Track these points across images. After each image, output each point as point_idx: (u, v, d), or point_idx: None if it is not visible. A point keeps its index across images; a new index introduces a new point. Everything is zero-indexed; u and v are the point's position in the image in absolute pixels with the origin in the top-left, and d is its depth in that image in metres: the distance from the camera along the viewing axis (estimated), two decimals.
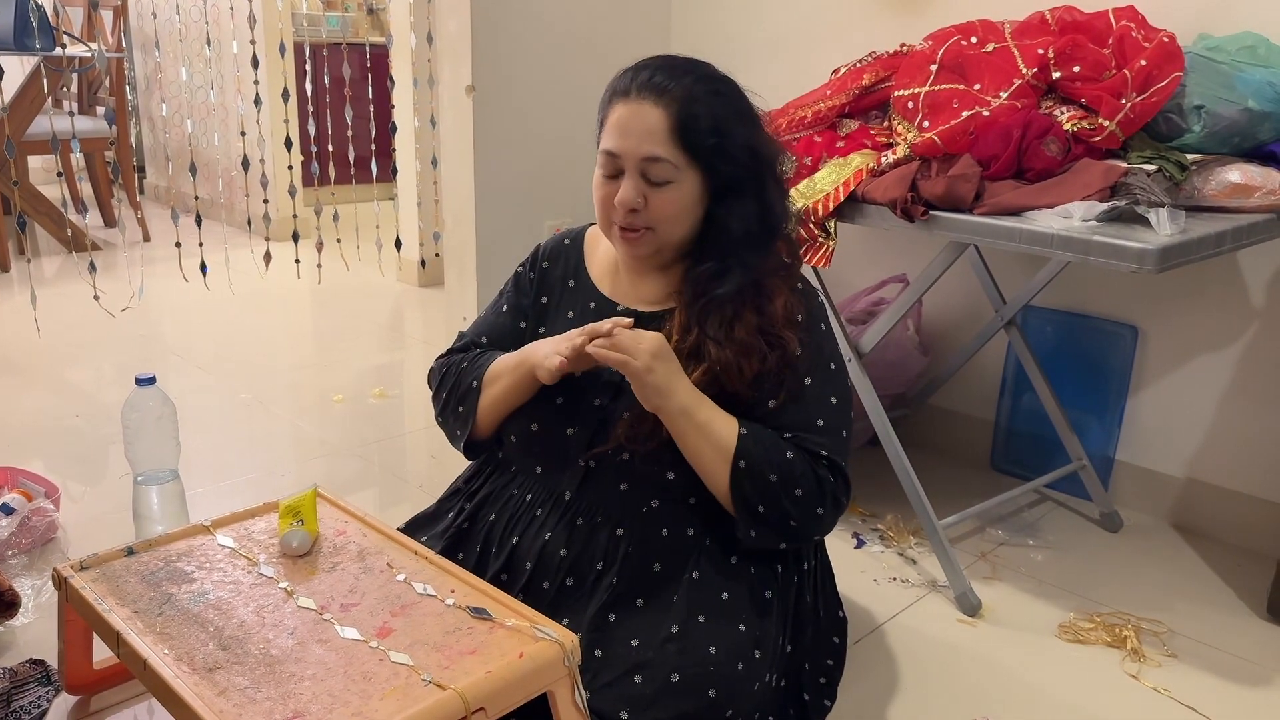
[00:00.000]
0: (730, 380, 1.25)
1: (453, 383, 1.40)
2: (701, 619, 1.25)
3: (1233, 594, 1.83)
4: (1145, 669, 1.59)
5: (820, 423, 1.28)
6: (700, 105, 1.24)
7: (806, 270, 1.68)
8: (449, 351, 1.46)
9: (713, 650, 1.22)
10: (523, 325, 1.42)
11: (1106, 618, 1.71)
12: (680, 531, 1.30)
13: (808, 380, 1.29)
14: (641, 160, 1.23)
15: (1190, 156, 1.61)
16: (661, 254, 1.31)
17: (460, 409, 1.38)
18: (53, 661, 1.43)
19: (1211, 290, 1.97)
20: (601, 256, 1.41)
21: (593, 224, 1.46)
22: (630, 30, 2.67)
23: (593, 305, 1.37)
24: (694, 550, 1.30)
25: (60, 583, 1.29)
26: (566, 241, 1.45)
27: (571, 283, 1.41)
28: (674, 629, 1.23)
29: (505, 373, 1.34)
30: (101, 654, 1.37)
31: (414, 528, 1.48)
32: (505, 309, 1.45)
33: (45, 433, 2.38)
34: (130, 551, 1.33)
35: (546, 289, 1.42)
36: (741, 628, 1.26)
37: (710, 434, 1.23)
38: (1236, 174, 1.57)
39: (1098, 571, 1.89)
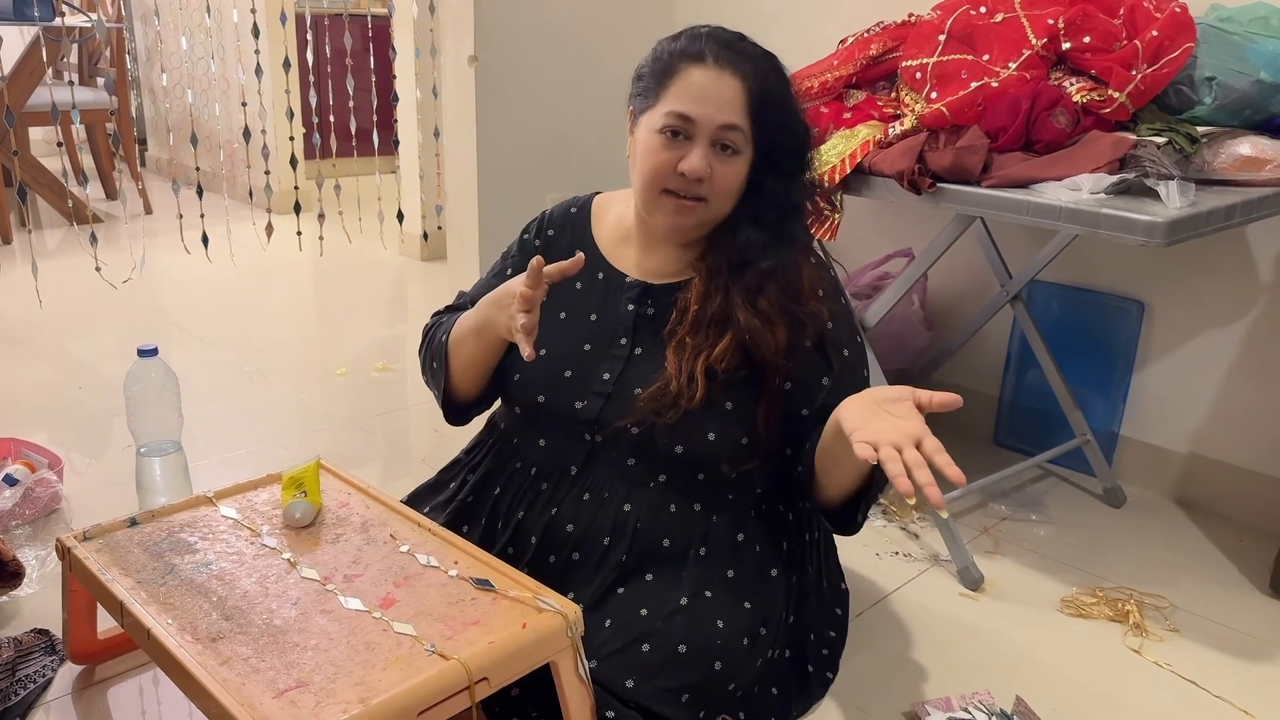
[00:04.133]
0: (760, 348, 1.23)
1: (429, 339, 1.40)
2: (709, 594, 1.25)
3: (1235, 569, 1.83)
4: (1147, 644, 1.59)
5: None
6: (771, 81, 1.24)
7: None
8: (444, 309, 1.45)
9: (720, 624, 1.22)
10: None
11: (1109, 592, 1.71)
12: (688, 507, 1.29)
13: (845, 352, 1.28)
14: (718, 128, 1.21)
15: (1200, 129, 1.59)
16: (701, 228, 1.29)
17: (434, 366, 1.38)
18: (57, 631, 1.44)
19: (1219, 265, 1.96)
20: (609, 227, 1.40)
21: (598, 193, 1.45)
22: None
23: (601, 276, 1.36)
24: (701, 527, 1.29)
25: (64, 553, 1.29)
26: (573, 210, 1.43)
27: (579, 252, 1.39)
28: (683, 601, 1.23)
29: (468, 336, 1.31)
30: (106, 624, 1.37)
31: (416, 499, 1.48)
32: (510, 272, 1.42)
33: (48, 404, 2.38)
34: (133, 522, 1.33)
35: (552, 257, 1.40)
36: (747, 605, 1.26)
37: None
38: (1247, 147, 1.56)
39: (1101, 546, 1.89)
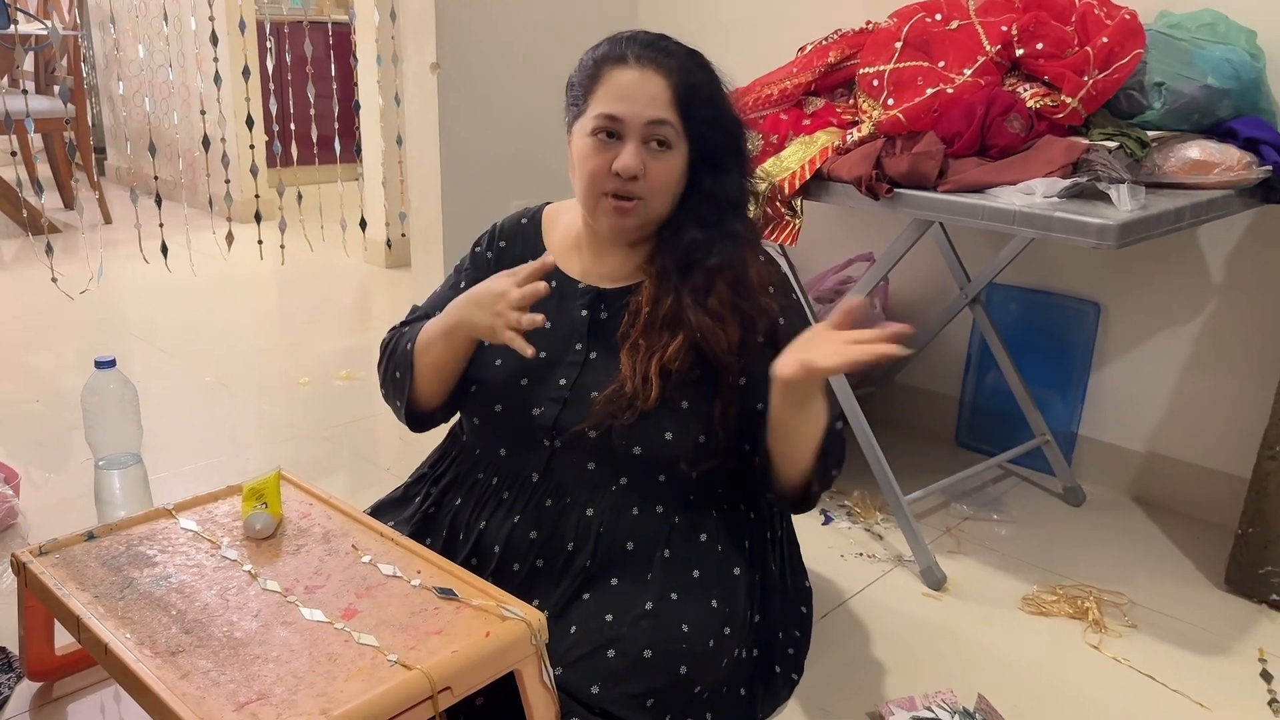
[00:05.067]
0: (712, 347, 1.24)
1: (391, 349, 1.39)
2: (674, 596, 1.26)
3: (1191, 565, 1.86)
4: (1106, 639, 1.61)
5: None
6: (697, 76, 1.25)
7: (773, 248, 1.69)
8: (400, 324, 1.45)
9: (685, 628, 1.23)
10: None
11: (1069, 590, 1.74)
12: (649, 509, 1.30)
13: None
14: (646, 125, 1.23)
15: (1151, 133, 1.62)
16: (644, 228, 1.30)
17: (398, 375, 1.37)
18: (14, 648, 1.42)
19: (1173, 266, 2.00)
20: (560, 235, 1.40)
21: (549, 203, 1.46)
22: (596, 6, 2.65)
23: (554, 283, 1.36)
24: (664, 528, 1.30)
25: (19, 568, 1.27)
26: (524, 220, 1.44)
27: (547, 254, 1.40)
28: (648, 605, 1.23)
29: (436, 339, 1.31)
30: (63, 640, 1.35)
31: (380, 512, 1.47)
32: (464, 285, 1.42)
33: (5, 418, 2.34)
34: (91, 536, 1.31)
35: (505, 267, 1.41)
36: (713, 604, 1.27)
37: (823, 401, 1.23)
38: (1196, 151, 1.59)
39: (1060, 545, 1.91)
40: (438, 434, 1.50)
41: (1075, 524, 2.01)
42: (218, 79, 2.96)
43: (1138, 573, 1.82)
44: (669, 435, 1.26)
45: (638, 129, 1.23)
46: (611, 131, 1.24)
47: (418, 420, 1.41)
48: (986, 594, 1.74)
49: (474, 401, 1.35)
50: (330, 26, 5.16)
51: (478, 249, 1.45)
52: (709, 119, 1.26)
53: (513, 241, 1.42)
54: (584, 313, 1.33)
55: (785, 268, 1.44)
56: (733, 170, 1.30)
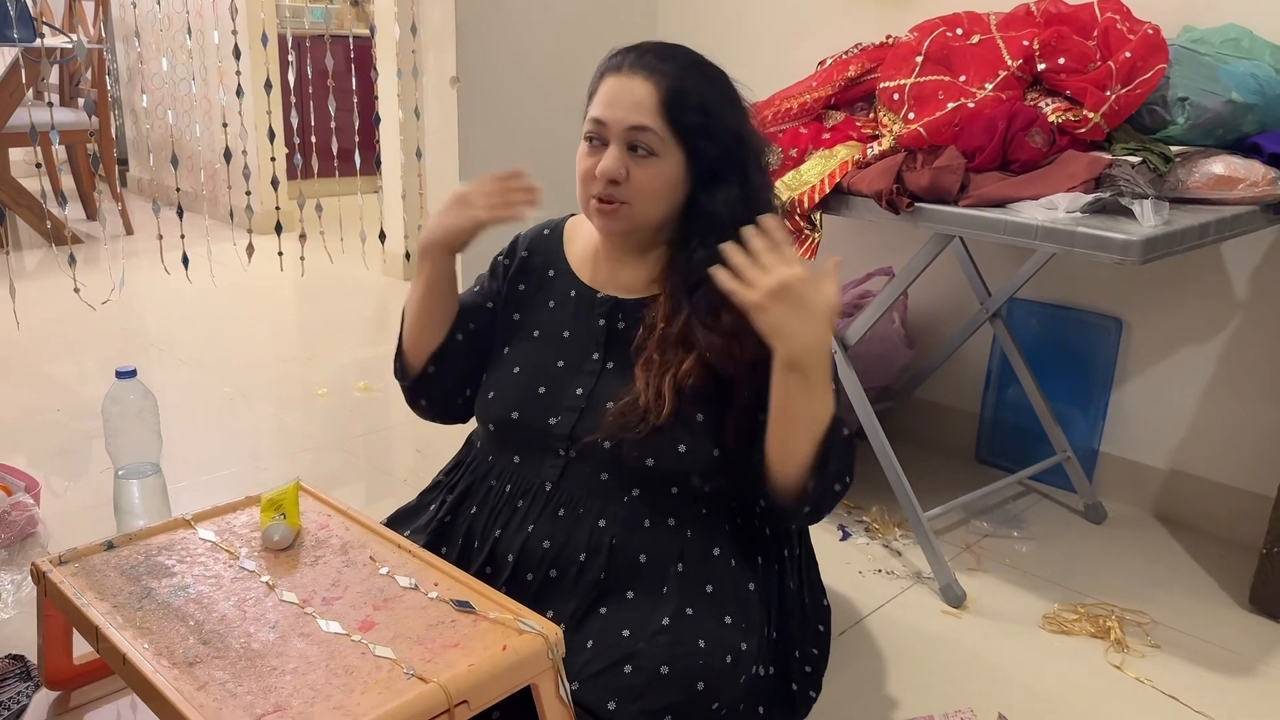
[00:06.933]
0: (724, 364, 1.24)
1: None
2: (689, 611, 1.25)
3: (1215, 584, 1.84)
4: (1129, 659, 1.59)
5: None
6: (690, 84, 1.25)
7: None
8: None
9: (702, 643, 1.22)
10: (490, 305, 1.42)
11: (1090, 609, 1.72)
12: (661, 522, 1.29)
13: None
14: (627, 130, 1.23)
15: (1174, 148, 1.61)
16: (638, 234, 1.30)
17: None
18: (32, 657, 1.42)
19: (1195, 282, 1.98)
20: (581, 245, 1.41)
21: (573, 214, 1.46)
22: (616, 20, 2.66)
23: (573, 293, 1.37)
24: (676, 542, 1.29)
25: (39, 577, 1.27)
26: (546, 231, 1.45)
27: (551, 272, 1.40)
28: (665, 621, 1.23)
29: (415, 278, 1.37)
30: (82, 649, 1.36)
31: (396, 521, 1.47)
32: (477, 289, 1.45)
33: (26, 427, 2.36)
34: (110, 545, 1.32)
35: (524, 277, 1.41)
36: (728, 620, 1.26)
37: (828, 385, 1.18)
38: (1220, 166, 1.58)
39: (1082, 563, 1.89)
40: (455, 444, 1.50)
41: (1097, 542, 1.99)
42: (240, 92, 2.99)
43: (1160, 591, 1.80)
44: (682, 448, 1.26)
45: (619, 134, 1.24)
46: (596, 136, 1.26)
47: (407, 378, 1.43)
48: (1007, 612, 1.72)
49: (491, 408, 1.35)
50: (351, 40, 5.17)
51: (497, 258, 1.46)
52: (698, 128, 1.24)
53: (534, 252, 1.43)
54: (602, 322, 1.33)
55: None
56: (733, 184, 1.27)
